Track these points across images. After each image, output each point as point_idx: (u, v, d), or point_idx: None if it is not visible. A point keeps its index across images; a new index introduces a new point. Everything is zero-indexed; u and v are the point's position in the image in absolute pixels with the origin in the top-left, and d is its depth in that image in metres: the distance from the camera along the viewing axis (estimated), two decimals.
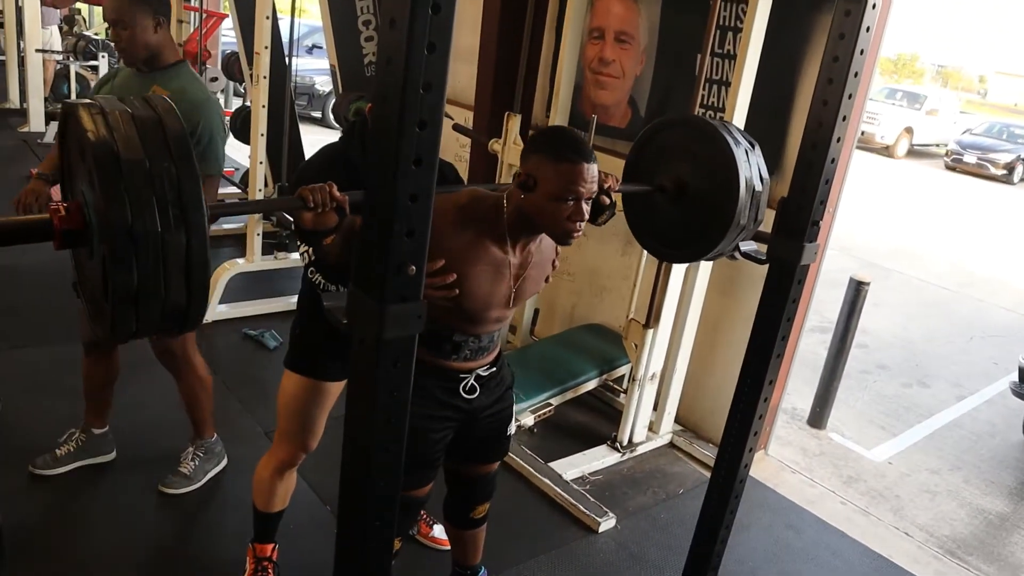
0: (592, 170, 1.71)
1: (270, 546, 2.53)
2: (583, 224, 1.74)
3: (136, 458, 3.02)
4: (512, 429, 2.29)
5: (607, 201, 1.91)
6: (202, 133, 2.50)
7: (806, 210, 1.81)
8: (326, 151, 2.21)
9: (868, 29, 1.69)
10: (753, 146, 1.92)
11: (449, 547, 2.71)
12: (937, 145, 18.43)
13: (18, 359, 3.62)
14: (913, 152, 17.88)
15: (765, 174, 1.93)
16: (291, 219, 4.78)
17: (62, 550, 2.60)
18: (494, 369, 2.10)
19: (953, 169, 16.66)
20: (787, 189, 1.86)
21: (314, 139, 5.97)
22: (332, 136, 10.82)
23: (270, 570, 2.52)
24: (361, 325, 1.10)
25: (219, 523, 2.82)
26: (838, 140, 1.77)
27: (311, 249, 1.97)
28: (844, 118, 1.75)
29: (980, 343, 6.49)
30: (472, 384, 2.04)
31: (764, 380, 1.95)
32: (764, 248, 1.97)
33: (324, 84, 11.27)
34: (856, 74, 1.72)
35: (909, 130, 17.45)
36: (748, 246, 1.97)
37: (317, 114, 11.57)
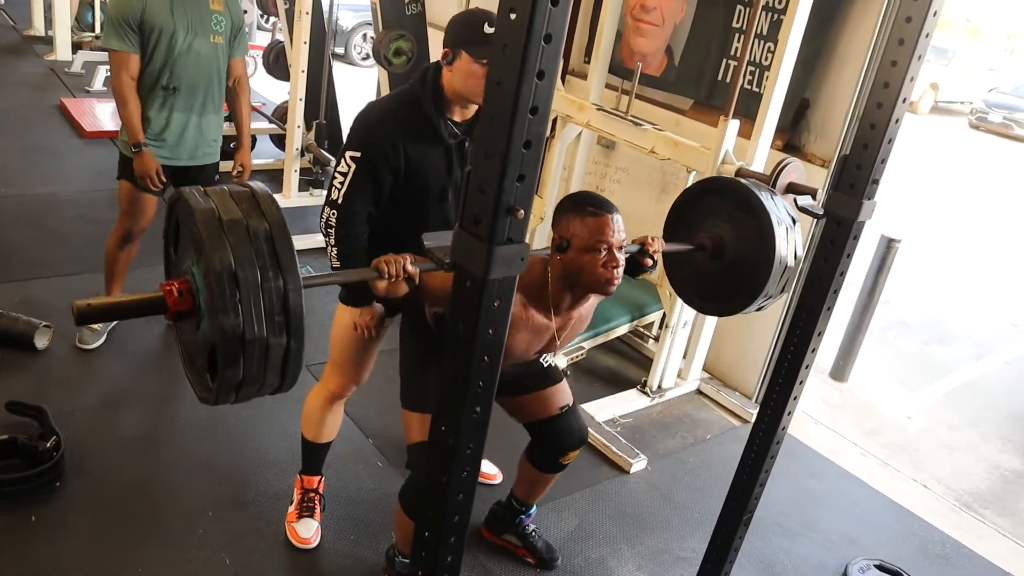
0: (617, 220, 1.87)
1: (317, 478, 2.59)
2: (620, 271, 1.88)
3: (185, 388, 3.11)
4: (549, 361, 2.38)
5: (650, 263, 2.03)
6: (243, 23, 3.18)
7: (867, 168, 1.85)
8: (395, 100, 2.21)
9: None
10: (794, 223, 1.99)
11: (494, 482, 2.84)
12: (962, 103, 18.13)
13: (66, 286, 3.71)
14: (937, 109, 17.62)
15: (800, 252, 2.01)
16: (328, 156, 4.71)
17: (113, 471, 2.70)
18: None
19: (977, 128, 16.42)
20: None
21: (338, 75, 5.89)
22: (355, 73, 10.67)
23: (316, 501, 2.58)
24: (467, 264, 1.17)
25: (267, 453, 2.89)
26: (904, 100, 1.80)
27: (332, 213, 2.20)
28: (912, 79, 1.78)
29: (1000, 306, 6.54)
30: None
31: (813, 331, 2.01)
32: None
33: (347, 20, 11.17)
34: (928, 35, 1.75)
35: (934, 86, 17.14)
36: (805, 200, 2.01)
37: (340, 50, 11.46)
